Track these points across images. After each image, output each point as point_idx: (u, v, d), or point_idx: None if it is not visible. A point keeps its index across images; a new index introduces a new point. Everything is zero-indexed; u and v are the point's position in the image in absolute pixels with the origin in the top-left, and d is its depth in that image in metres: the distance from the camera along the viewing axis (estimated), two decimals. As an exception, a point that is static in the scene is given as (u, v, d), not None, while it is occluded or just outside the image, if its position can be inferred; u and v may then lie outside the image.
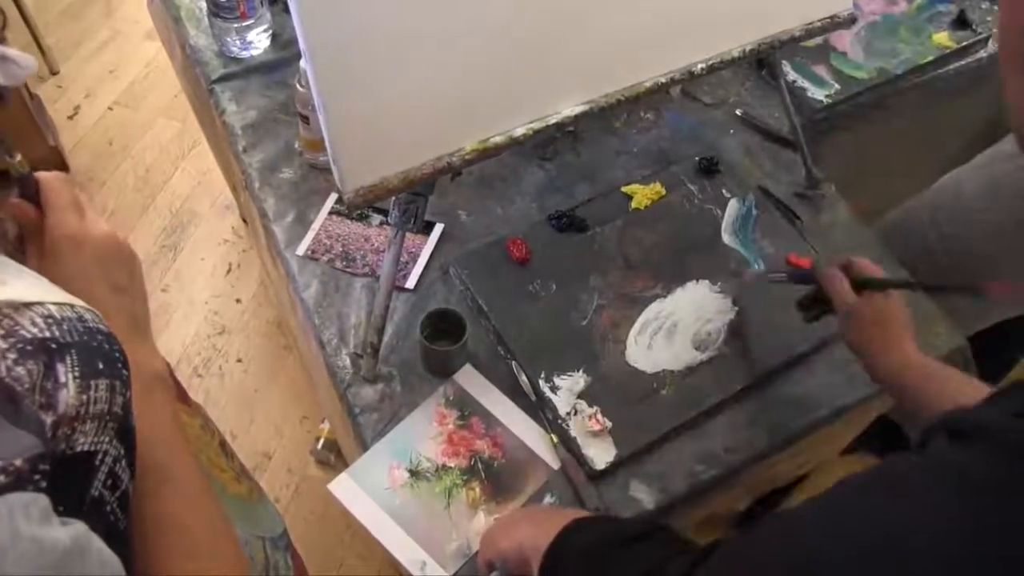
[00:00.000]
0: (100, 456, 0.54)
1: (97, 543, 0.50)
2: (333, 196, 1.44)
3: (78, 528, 0.49)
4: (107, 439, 0.54)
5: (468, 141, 1.06)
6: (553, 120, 1.10)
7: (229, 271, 2.59)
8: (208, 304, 2.52)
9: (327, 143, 0.99)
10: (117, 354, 0.56)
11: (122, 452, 0.56)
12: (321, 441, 2.17)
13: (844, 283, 1.14)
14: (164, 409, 0.69)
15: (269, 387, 2.36)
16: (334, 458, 2.13)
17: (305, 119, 1.41)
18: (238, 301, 2.53)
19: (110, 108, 2.98)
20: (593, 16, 1.08)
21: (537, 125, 1.09)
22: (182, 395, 0.88)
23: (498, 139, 1.07)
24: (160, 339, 2.41)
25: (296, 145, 1.50)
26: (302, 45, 0.92)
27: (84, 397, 0.52)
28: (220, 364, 2.40)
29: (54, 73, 3.03)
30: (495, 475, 1.17)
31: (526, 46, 1.04)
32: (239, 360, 2.41)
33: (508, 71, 1.04)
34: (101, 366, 0.54)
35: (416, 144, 1.03)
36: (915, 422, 1.07)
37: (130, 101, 3.01)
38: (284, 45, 1.65)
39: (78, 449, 0.52)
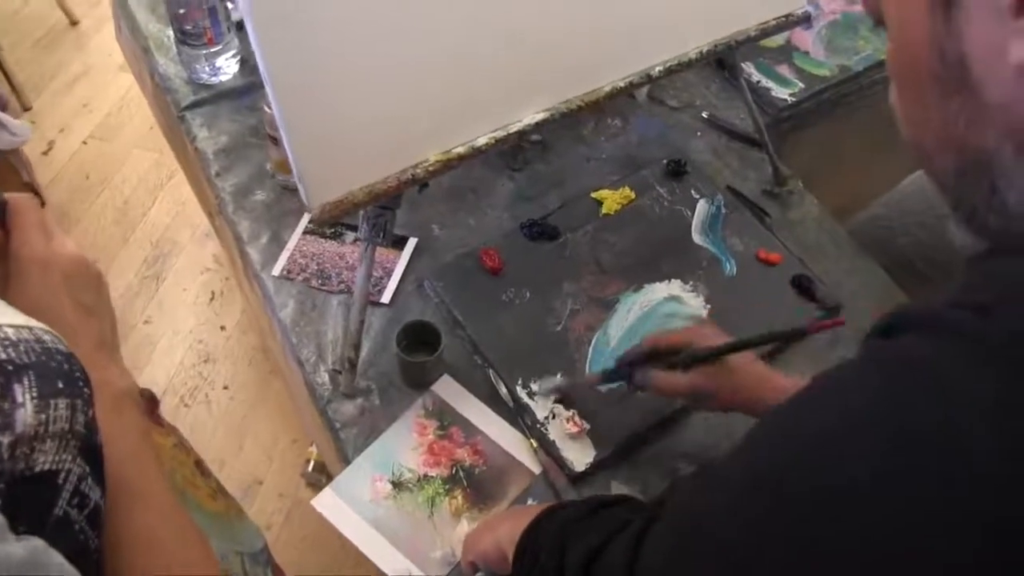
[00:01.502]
0: (63, 475, 0.54)
1: (57, 559, 0.51)
2: (307, 216, 1.45)
3: (35, 543, 0.49)
4: (69, 458, 0.55)
5: (431, 153, 1.07)
6: (515, 128, 1.12)
7: (212, 299, 2.60)
8: (192, 333, 2.53)
9: (291, 161, 1.00)
10: (77, 373, 0.57)
11: (88, 470, 0.57)
12: (311, 463, 2.18)
13: (667, 378, 1.09)
14: (133, 426, 0.70)
15: (257, 412, 2.37)
16: (325, 480, 2.12)
17: (275, 141, 1.42)
18: (222, 328, 2.54)
19: (85, 142, 2.99)
20: (549, 23, 1.09)
21: (499, 134, 1.11)
22: (155, 417, 0.89)
23: (460, 149, 1.08)
24: (145, 370, 2.42)
25: (268, 167, 1.52)
26: (260, 65, 0.93)
27: (43, 416, 0.52)
28: (207, 392, 2.40)
29: (27, 109, 3.03)
30: (477, 482, 1.18)
31: (484, 56, 1.06)
32: (225, 387, 2.41)
33: (467, 82, 1.06)
34: (60, 385, 0.54)
35: (379, 158, 1.04)
36: None
37: (105, 134, 3.02)
38: (253, 70, 1.66)
39: (37, 469, 0.52)
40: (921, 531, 0.44)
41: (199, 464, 0.94)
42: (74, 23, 3.38)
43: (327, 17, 0.92)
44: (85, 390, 0.57)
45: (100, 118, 3.07)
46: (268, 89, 0.95)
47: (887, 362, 0.49)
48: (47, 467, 0.53)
